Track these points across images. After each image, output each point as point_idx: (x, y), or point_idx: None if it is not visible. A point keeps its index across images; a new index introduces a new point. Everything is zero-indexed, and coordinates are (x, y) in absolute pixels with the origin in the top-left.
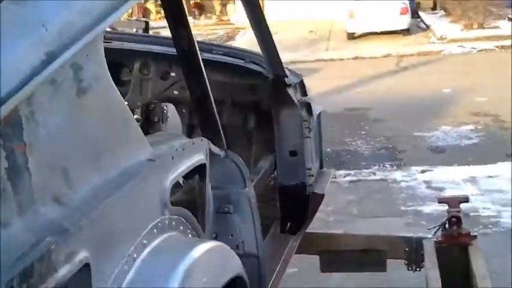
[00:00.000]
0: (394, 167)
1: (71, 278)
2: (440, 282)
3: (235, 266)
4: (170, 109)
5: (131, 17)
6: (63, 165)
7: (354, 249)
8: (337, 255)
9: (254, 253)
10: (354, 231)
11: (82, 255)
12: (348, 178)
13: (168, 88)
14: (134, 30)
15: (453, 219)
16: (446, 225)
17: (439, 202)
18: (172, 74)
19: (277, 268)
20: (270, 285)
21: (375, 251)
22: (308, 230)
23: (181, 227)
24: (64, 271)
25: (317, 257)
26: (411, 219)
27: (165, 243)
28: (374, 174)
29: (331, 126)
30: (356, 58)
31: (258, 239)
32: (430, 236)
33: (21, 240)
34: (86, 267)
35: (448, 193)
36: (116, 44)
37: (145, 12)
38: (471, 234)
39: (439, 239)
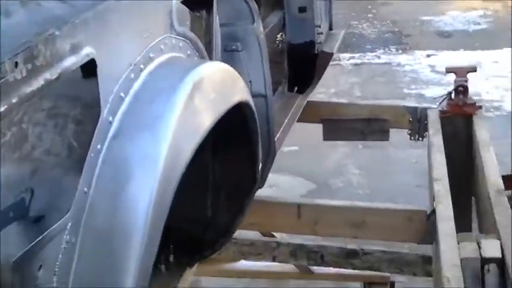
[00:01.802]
0: (400, 51)
1: (77, 70)
2: (443, 148)
3: (244, 92)
4: None
5: None
6: None
7: (357, 118)
8: (341, 124)
9: (262, 93)
10: None
11: (88, 50)
12: (352, 61)
13: None
14: None
15: (460, 88)
16: (453, 95)
17: (447, 72)
18: None
19: (285, 121)
20: (277, 136)
21: (378, 120)
22: (311, 99)
23: (189, 52)
24: (69, 62)
25: (318, 137)
26: (414, 102)
27: (173, 60)
28: (379, 57)
29: (337, 9)
30: None
31: (266, 79)
32: (435, 106)
33: (25, 28)
34: (92, 62)
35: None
36: None
37: None
38: (476, 104)
39: (445, 108)
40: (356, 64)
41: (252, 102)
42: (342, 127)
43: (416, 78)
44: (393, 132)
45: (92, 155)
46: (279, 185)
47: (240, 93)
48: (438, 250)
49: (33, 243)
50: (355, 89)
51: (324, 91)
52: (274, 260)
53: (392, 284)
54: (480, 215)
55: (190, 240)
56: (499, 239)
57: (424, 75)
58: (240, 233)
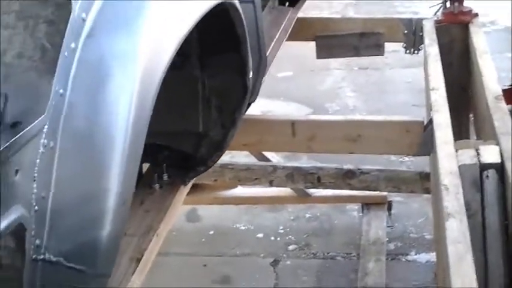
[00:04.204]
0: None
1: None
2: (439, 57)
3: None
4: None
5: None
6: None
7: (351, 33)
8: (334, 40)
9: None
10: None
11: None
12: None
13: None
14: None
15: None
16: (448, 4)
17: None
18: None
19: (277, 35)
20: (269, 51)
21: (373, 34)
22: (303, 16)
23: None
24: None
25: (312, 62)
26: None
27: None
28: None
29: None
30: None
31: None
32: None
33: None
34: None
35: None
36: None
37: None
38: (472, 12)
39: (440, 18)
40: None
41: (238, 5)
42: (335, 43)
43: None
44: (388, 53)
45: (66, 53)
46: (274, 110)
47: None
48: (436, 159)
49: (6, 145)
50: (349, 10)
51: (317, 13)
52: (271, 184)
53: (389, 204)
54: (478, 122)
55: (183, 157)
56: (498, 144)
57: None
58: (235, 158)
